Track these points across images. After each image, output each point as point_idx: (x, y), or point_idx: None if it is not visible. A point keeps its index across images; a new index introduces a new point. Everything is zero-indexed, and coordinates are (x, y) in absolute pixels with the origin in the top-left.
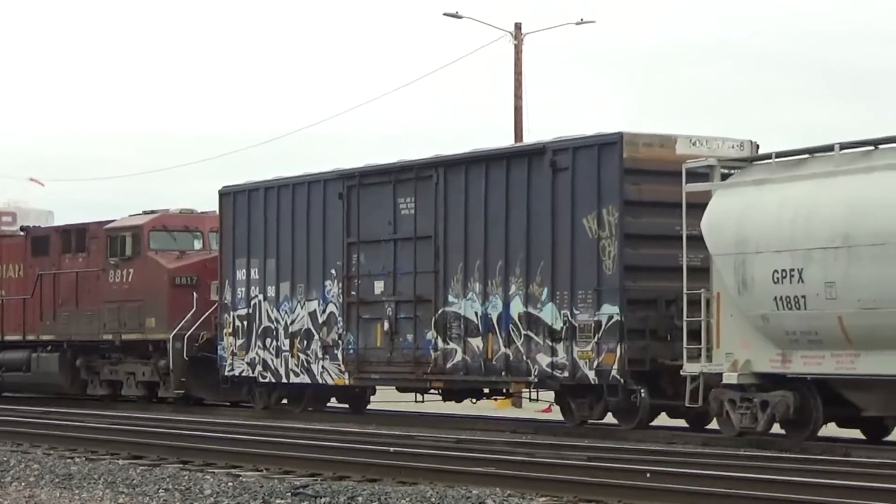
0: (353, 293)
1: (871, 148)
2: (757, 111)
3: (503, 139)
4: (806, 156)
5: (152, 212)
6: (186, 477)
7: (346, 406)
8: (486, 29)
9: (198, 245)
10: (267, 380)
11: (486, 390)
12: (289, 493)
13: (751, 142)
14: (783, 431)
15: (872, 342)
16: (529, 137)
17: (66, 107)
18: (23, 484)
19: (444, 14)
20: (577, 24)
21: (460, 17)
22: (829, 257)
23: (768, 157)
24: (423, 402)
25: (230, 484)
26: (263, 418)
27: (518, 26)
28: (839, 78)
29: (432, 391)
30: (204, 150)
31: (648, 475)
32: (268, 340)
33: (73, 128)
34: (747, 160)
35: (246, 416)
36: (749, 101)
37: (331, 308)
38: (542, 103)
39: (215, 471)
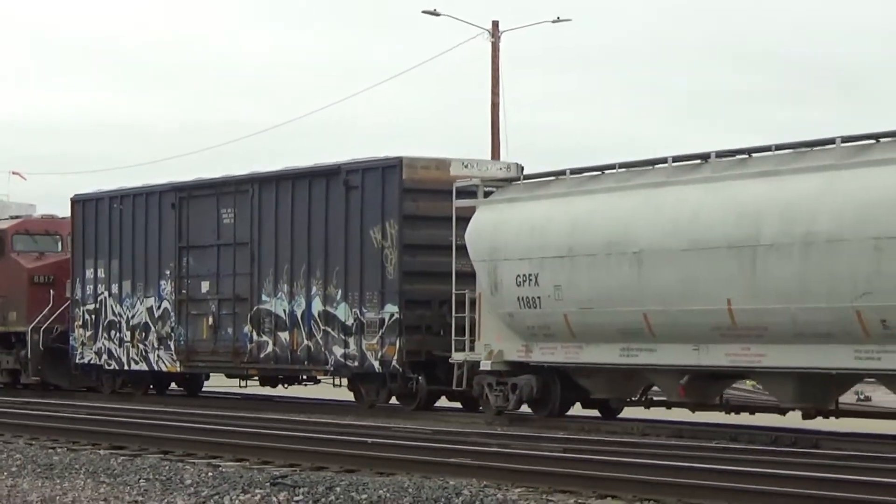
0: (183, 292)
1: (599, 173)
2: (729, 108)
3: (482, 134)
4: (550, 178)
5: (17, 217)
6: (167, 467)
7: (183, 389)
8: (464, 26)
9: (58, 248)
10: (112, 367)
11: (304, 376)
12: (268, 484)
13: (516, 164)
14: (530, 410)
15: (591, 336)
16: (505, 133)
17: (49, 101)
18: (5, 474)
19: (423, 12)
20: (554, 21)
21: (438, 15)
22: (558, 265)
23: (518, 178)
24: (245, 386)
25: (210, 474)
26: (146, 403)
27: (496, 24)
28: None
29: (252, 377)
30: (184, 145)
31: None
32: (112, 332)
33: (56, 122)
34: (507, 180)
35: (131, 402)
36: (722, 98)
37: (165, 304)
38: (520, 98)
39: (195, 461)
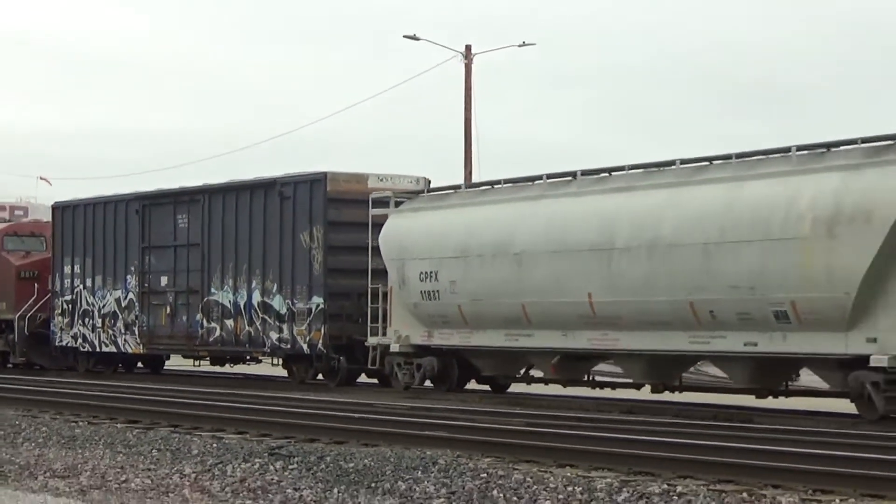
0: (146, 285)
1: (489, 187)
2: (675, 122)
3: (457, 148)
4: (450, 191)
5: (9, 221)
6: (176, 439)
7: (148, 369)
8: (440, 50)
9: (42, 247)
10: (86, 349)
11: (247, 357)
12: (266, 454)
13: (425, 178)
14: (432, 385)
15: (480, 323)
16: (478, 144)
17: (74, 111)
18: (33, 444)
19: (404, 36)
20: (520, 45)
21: (418, 39)
22: (454, 264)
23: (423, 191)
24: (199, 365)
25: (214, 445)
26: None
27: (468, 48)
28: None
29: (204, 358)
30: (198, 152)
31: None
32: (86, 319)
33: (80, 131)
34: (414, 193)
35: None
36: (669, 113)
37: (130, 296)
38: (493, 114)
39: (202, 434)
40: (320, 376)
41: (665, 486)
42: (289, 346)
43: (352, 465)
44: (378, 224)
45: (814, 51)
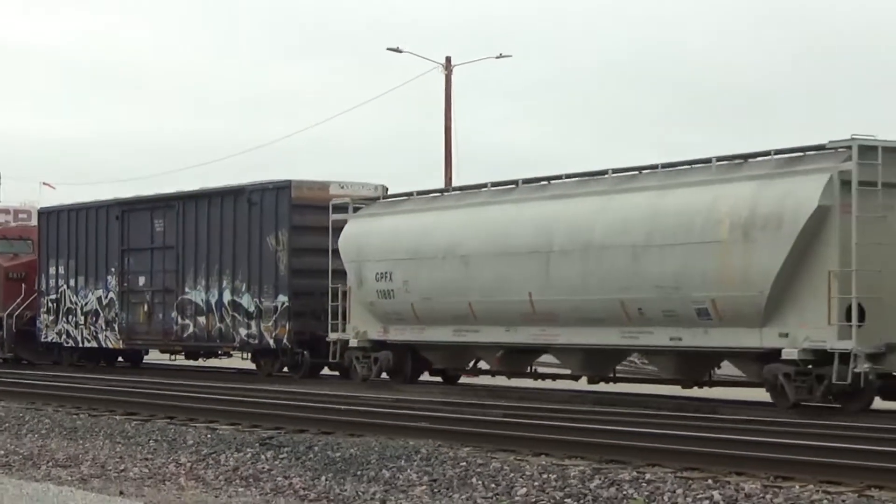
0: (125, 285)
1: (439, 194)
2: (647, 130)
3: (437, 155)
4: (403, 198)
5: (15, 224)
6: (172, 430)
7: (128, 363)
8: (422, 61)
9: (30, 250)
10: (70, 345)
11: (219, 351)
12: (257, 444)
13: (383, 186)
14: (388, 377)
15: (431, 320)
16: (457, 149)
17: (76, 119)
18: (36, 435)
19: (388, 49)
20: (497, 57)
21: (401, 52)
22: (407, 265)
23: (379, 198)
24: (175, 359)
25: (209, 435)
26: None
27: (448, 59)
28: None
29: (179, 352)
30: (194, 158)
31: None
32: (70, 317)
33: (81, 138)
34: (371, 199)
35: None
36: (642, 120)
37: (111, 295)
38: (472, 121)
39: (196, 425)
40: (286, 369)
41: (635, 473)
42: (257, 341)
43: (339, 454)
44: (338, 228)
45: (773, 60)
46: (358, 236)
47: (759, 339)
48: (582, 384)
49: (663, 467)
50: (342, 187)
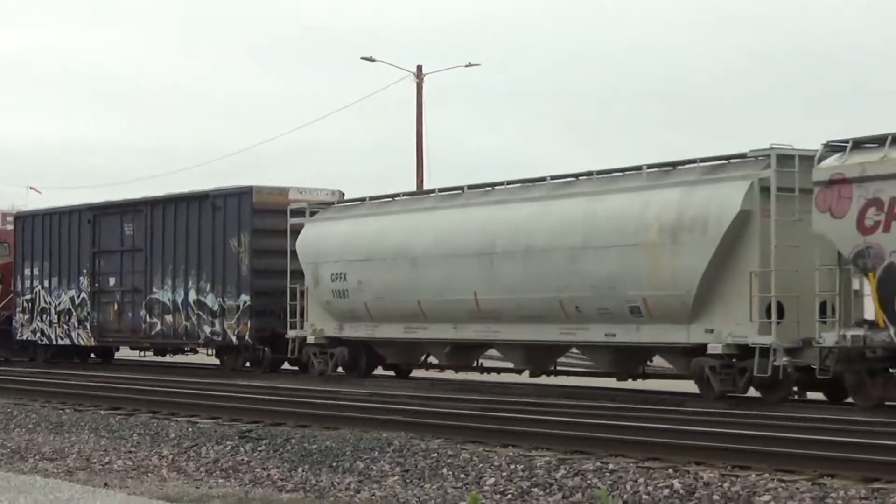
0: (96, 285)
1: (390, 199)
2: (608, 134)
3: (411, 159)
4: (357, 202)
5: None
6: (155, 424)
7: (100, 359)
8: (394, 70)
9: (6, 252)
10: (44, 342)
11: (188, 347)
12: (236, 437)
13: (339, 191)
14: (344, 372)
15: (384, 318)
16: (428, 154)
17: (61, 125)
18: (23, 430)
19: (362, 58)
20: (466, 66)
21: (374, 61)
22: (360, 266)
23: (334, 202)
24: (144, 355)
25: (190, 429)
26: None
27: (419, 68)
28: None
29: (148, 349)
30: (177, 163)
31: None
32: (44, 316)
33: (67, 143)
34: (327, 204)
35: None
36: (602, 126)
37: (83, 295)
38: (444, 126)
39: (178, 419)
40: (248, 364)
41: (598, 463)
42: (220, 338)
43: (315, 446)
44: (296, 231)
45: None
46: (315, 239)
47: (686, 335)
48: (565, 380)
49: (626, 457)
50: (301, 192)
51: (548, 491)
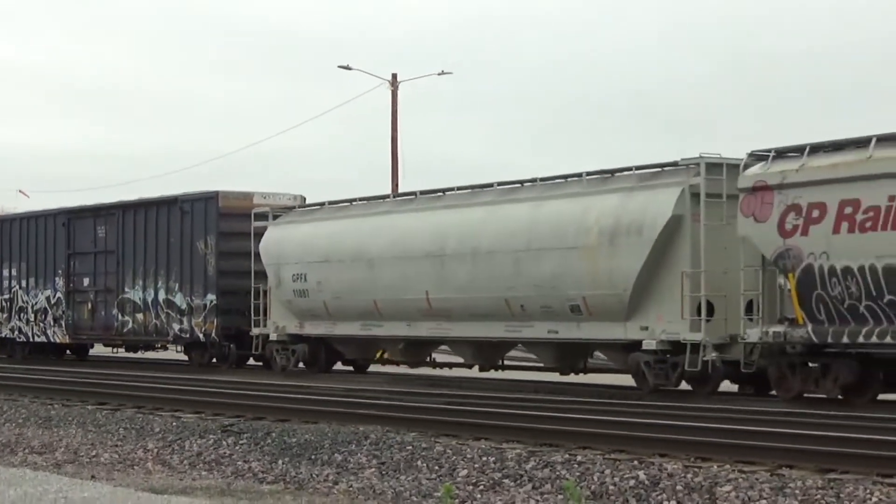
0: (71, 285)
1: (348, 204)
2: (573, 140)
3: (385, 164)
4: (317, 207)
5: None
6: (140, 418)
7: (75, 356)
8: (370, 78)
9: None
10: (22, 340)
11: (158, 344)
12: (219, 431)
13: (301, 196)
14: (305, 367)
15: (342, 316)
16: (403, 158)
17: (49, 131)
18: (13, 424)
19: (339, 66)
20: (439, 74)
21: (351, 69)
22: (319, 267)
23: (295, 207)
24: (117, 352)
25: (174, 423)
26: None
27: (394, 76)
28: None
29: (120, 346)
30: (161, 167)
31: None
32: (22, 315)
33: (55, 148)
34: (289, 208)
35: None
36: (568, 131)
37: (59, 294)
38: (416, 133)
39: (162, 413)
40: (215, 360)
41: (567, 455)
42: (188, 335)
43: (294, 440)
44: (260, 234)
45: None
46: (277, 241)
47: (623, 332)
48: (536, 375)
49: (593, 450)
50: (264, 197)
51: (518, 482)
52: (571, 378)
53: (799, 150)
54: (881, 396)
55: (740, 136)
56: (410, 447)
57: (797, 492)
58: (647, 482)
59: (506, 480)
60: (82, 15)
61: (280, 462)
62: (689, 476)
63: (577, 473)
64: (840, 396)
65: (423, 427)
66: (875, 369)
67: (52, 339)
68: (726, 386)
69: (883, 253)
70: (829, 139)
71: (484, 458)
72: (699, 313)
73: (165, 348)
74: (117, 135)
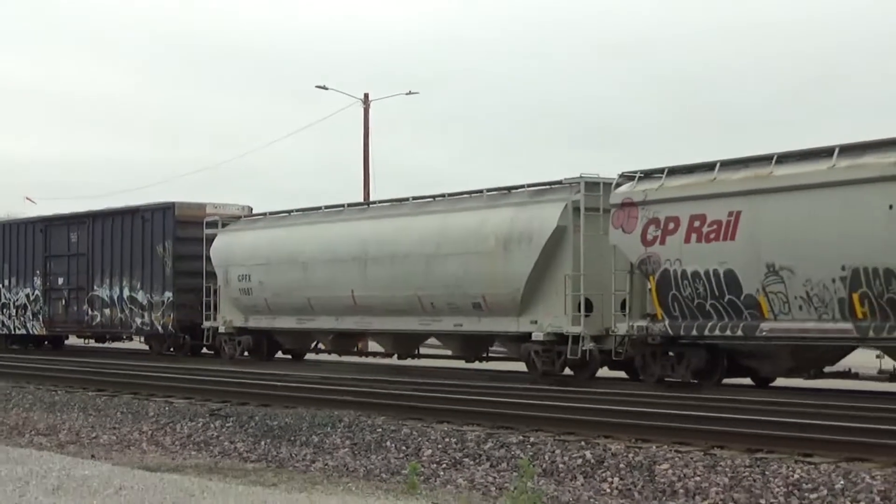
0: (48, 284)
1: (287, 214)
2: (531, 152)
3: (358, 178)
4: (261, 216)
5: None
6: (136, 403)
7: (51, 345)
8: (344, 97)
9: None
10: (4, 332)
11: (124, 335)
12: (207, 414)
13: (248, 206)
14: (249, 356)
15: (280, 311)
16: (374, 171)
17: (55, 141)
18: (21, 409)
19: (316, 86)
20: (407, 94)
21: (327, 89)
22: (261, 269)
23: (241, 216)
24: (88, 343)
25: (166, 408)
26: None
27: (366, 95)
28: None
29: (90, 337)
30: (151, 177)
31: None
32: (4, 310)
33: (59, 158)
34: (236, 217)
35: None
36: (526, 144)
37: (37, 292)
38: (387, 148)
39: (156, 399)
40: (172, 349)
41: (521, 437)
42: (149, 327)
43: (275, 423)
44: (210, 240)
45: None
46: (225, 246)
47: (516, 325)
48: (498, 364)
49: (545, 432)
50: (215, 207)
51: (477, 461)
52: (476, 365)
53: (660, 172)
54: (725, 380)
55: (669, 150)
56: (380, 429)
57: (727, 469)
58: (593, 461)
59: (466, 459)
60: (81, 34)
61: (262, 443)
62: (631, 455)
63: (531, 453)
64: (693, 380)
65: (391, 412)
66: (720, 357)
67: (31, 332)
68: (603, 372)
69: (724, 259)
70: (684, 163)
71: (446, 440)
72: (579, 310)
73: (130, 339)
74: (115, 146)
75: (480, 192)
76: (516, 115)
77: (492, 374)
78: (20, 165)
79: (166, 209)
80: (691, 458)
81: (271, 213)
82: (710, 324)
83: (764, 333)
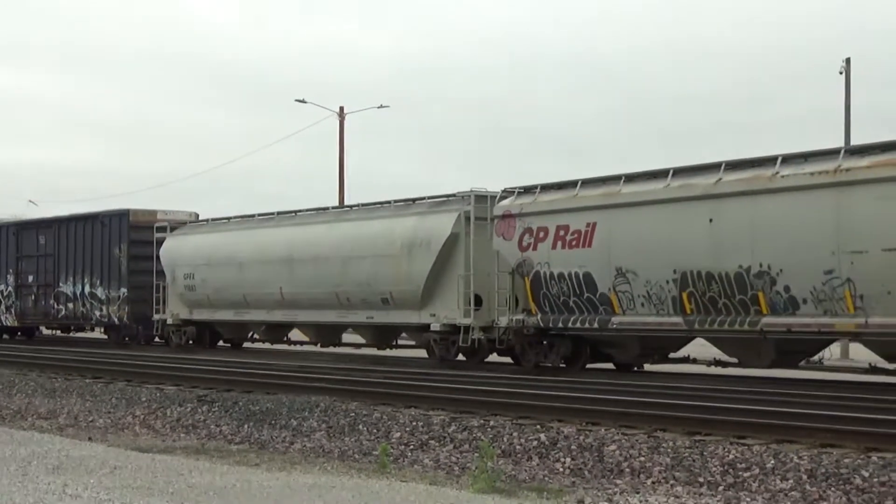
0: (20, 281)
1: (227, 220)
2: (491, 163)
3: (333, 187)
4: (204, 222)
5: None
6: (130, 390)
7: (25, 336)
8: (322, 110)
9: None
10: None
11: (86, 326)
12: (195, 400)
13: (195, 213)
14: (193, 344)
15: (220, 305)
16: (349, 179)
17: (55, 146)
18: (23, 395)
19: (295, 100)
20: (378, 107)
21: (306, 102)
22: (203, 269)
23: (187, 221)
24: (55, 333)
25: (157, 394)
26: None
27: (342, 108)
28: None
29: (56, 328)
30: (141, 184)
31: None
32: None
33: (60, 163)
34: (184, 222)
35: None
36: (489, 156)
37: (10, 288)
38: (362, 158)
39: (148, 386)
40: (127, 339)
41: (482, 420)
42: (107, 319)
43: (258, 408)
44: (160, 242)
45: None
46: (173, 248)
47: (419, 317)
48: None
49: (503, 416)
50: (165, 213)
51: (442, 443)
52: (387, 352)
53: (535, 188)
54: (589, 365)
55: (625, 159)
56: (353, 414)
57: (669, 450)
58: (547, 442)
59: (432, 441)
60: (78, 51)
61: (246, 426)
62: (582, 438)
63: (491, 436)
64: (562, 365)
65: (364, 397)
66: (584, 346)
67: (4, 323)
68: (493, 358)
69: (583, 263)
70: (554, 181)
71: (414, 423)
72: (470, 304)
73: (92, 329)
74: (111, 154)
75: (389, 202)
76: (482, 127)
77: (399, 360)
78: (23, 171)
79: (122, 215)
80: (636, 440)
81: (213, 220)
82: (573, 318)
83: (615, 326)
